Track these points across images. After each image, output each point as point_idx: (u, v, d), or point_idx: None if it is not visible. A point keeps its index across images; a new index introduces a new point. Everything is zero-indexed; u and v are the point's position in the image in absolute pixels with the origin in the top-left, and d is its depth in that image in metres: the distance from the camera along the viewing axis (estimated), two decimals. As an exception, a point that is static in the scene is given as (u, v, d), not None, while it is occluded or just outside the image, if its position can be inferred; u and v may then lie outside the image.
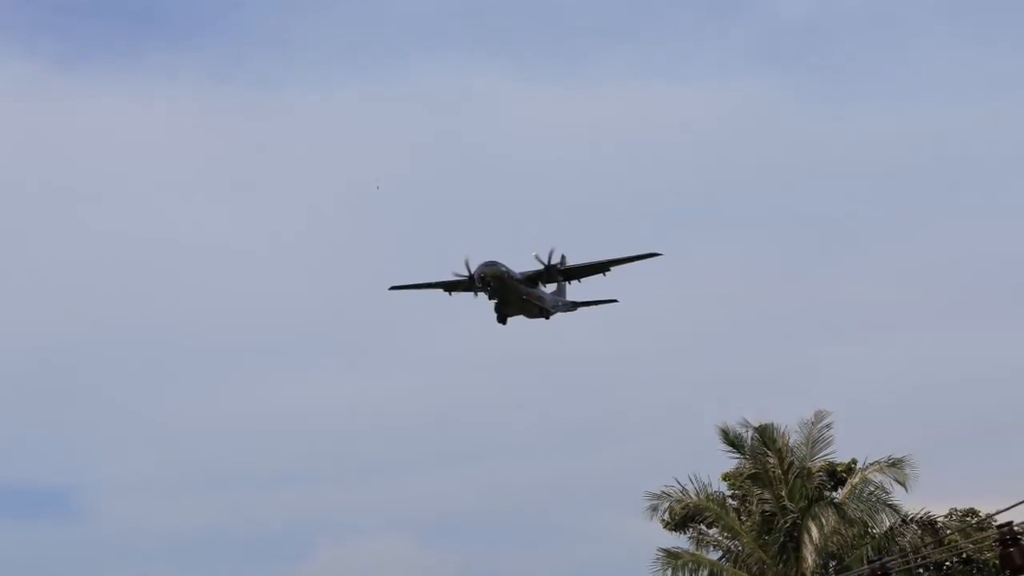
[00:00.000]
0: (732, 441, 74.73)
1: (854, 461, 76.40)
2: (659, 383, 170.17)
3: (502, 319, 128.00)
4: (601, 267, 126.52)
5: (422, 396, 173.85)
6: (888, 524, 72.60)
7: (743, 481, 75.56)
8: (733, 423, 74.83)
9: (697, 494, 74.89)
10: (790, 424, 74.45)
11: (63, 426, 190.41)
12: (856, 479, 74.09)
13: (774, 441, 73.77)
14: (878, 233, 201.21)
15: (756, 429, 74.13)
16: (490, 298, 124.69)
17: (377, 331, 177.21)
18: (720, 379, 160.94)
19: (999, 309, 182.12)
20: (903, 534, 72.91)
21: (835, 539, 70.76)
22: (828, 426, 74.18)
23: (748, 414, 75.42)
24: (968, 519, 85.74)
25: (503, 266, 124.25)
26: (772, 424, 74.16)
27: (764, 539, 73.11)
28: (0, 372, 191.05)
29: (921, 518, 74.65)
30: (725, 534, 75.20)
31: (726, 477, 77.95)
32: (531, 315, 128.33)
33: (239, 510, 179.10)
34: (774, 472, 73.42)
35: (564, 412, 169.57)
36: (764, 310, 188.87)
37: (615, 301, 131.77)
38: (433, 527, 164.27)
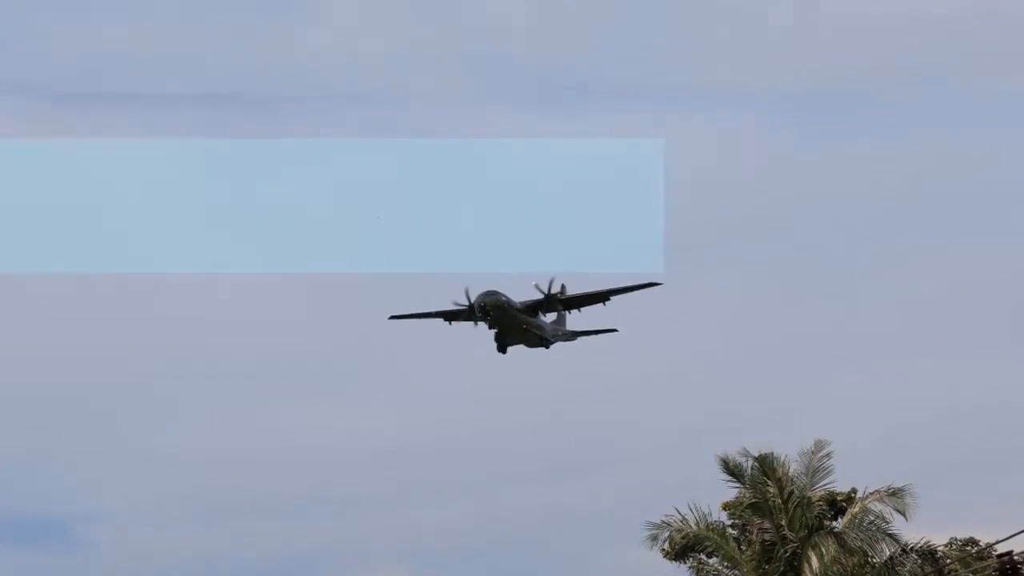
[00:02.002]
0: (732, 470, 74.73)
1: (854, 490, 76.51)
2: (659, 411, 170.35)
3: (502, 348, 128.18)
4: (601, 297, 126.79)
5: (421, 425, 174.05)
6: (888, 553, 72.60)
7: (743, 510, 75.62)
8: (733, 452, 74.87)
9: (697, 523, 74.85)
10: (790, 453, 74.54)
11: (64, 455, 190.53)
12: (856, 508, 74.14)
13: (774, 470, 73.79)
14: (878, 261, 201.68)
15: (756, 459, 74.19)
16: (490, 327, 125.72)
17: (376, 360, 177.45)
18: (720, 408, 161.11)
19: (999, 336, 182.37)
20: (903, 563, 72.93)
21: (835, 568, 70.73)
22: (828, 455, 74.23)
23: (748, 443, 75.53)
24: (968, 548, 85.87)
25: (503, 296, 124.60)
26: (772, 453, 74.21)
27: (764, 568, 73.09)
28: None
29: (921, 547, 74.70)
30: (725, 564, 75.14)
31: (726, 506, 77.99)
32: (531, 344, 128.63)
33: (239, 540, 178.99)
34: (774, 501, 73.41)
35: (563, 441, 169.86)
36: (764, 338, 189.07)
37: (614, 331, 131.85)
38: (432, 558, 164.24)
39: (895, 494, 72.90)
